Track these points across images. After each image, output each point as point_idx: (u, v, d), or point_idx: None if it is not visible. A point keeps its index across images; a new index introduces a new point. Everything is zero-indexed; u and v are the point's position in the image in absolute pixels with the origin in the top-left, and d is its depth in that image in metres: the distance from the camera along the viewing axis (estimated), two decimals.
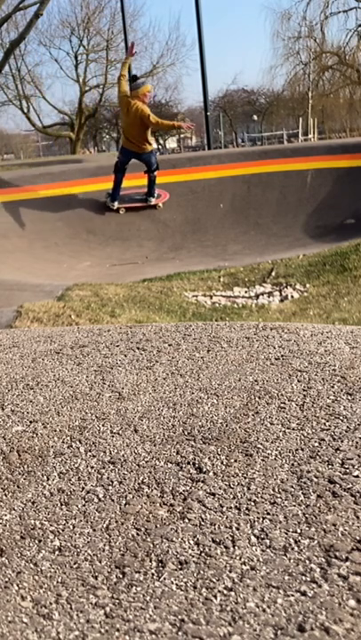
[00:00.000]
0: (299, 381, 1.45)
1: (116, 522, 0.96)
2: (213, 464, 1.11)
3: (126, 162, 8.29)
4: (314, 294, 5.08)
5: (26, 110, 31.70)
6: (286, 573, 0.81)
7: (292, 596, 0.77)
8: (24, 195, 8.68)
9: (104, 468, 1.14)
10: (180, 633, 0.73)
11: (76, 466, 1.15)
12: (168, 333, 1.97)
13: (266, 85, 37.67)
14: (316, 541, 0.87)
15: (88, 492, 1.05)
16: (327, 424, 1.22)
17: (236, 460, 1.11)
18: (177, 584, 0.81)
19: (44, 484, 1.10)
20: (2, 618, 0.78)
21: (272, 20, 59.85)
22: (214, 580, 0.81)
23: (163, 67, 32.02)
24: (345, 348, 1.65)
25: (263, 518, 0.93)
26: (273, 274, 5.77)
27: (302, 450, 1.13)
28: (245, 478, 1.05)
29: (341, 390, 1.38)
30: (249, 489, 1.01)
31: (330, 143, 11.40)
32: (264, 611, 0.75)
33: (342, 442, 1.14)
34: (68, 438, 1.27)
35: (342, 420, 1.23)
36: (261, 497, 0.99)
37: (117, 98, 8.42)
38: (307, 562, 0.83)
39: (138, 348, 1.84)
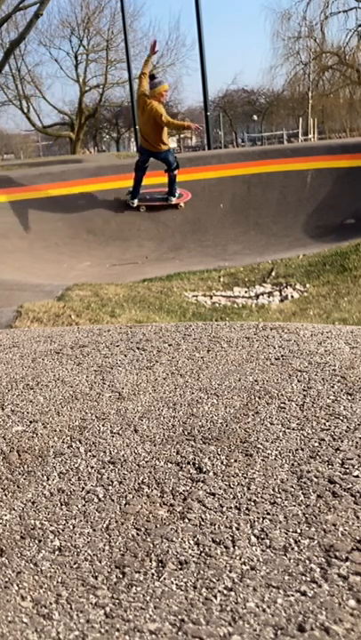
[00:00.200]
0: (299, 381, 1.45)
1: (116, 522, 0.96)
2: (213, 464, 1.11)
3: (145, 160, 8.26)
4: (314, 294, 5.08)
5: (26, 110, 31.71)
6: (286, 573, 0.81)
7: (292, 596, 0.77)
8: (24, 195, 8.68)
9: (104, 468, 1.14)
10: (180, 633, 0.73)
11: (76, 466, 1.15)
12: (168, 333, 1.97)
13: (266, 85, 37.71)
14: (316, 541, 0.87)
15: (88, 492, 1.05)
16: (327, 424, 1.22)
17: (236, 460, 1.11)
18: (177, 584, 0.81)
19: (44, 484, 1.10)
20: (2, 618, 0.78)
21: (272, 20, 59.88)
22: (214, 579, 0.81)
23: (163, 67, 31.98)
24: (345, 348, 1.65)
25: (263, 518, 0.93)
26: (273, 274, 5.77)
27: (302, 450, 1.13)
28: (245, 478, 1.05)
29: (341, 390, 1.38)
30: (249, 489, 1.01)
31: (330, 143, 11.40)
32: (264, 611, 0.75)
33: (342, 442, 1.14)
34: (68, 438, 1.27)
35: (342, 420, 1.23)
36: (261, 497, 0.99)
37: (137, 96, 8.41)
38: (307, 562, 0.83)
39: (138, 348, 1.84)
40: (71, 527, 0.96)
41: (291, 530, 0.90)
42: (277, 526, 0.91)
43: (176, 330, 2.01)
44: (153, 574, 0.83)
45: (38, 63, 55.35)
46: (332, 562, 0.82)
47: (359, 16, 34.87)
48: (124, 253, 7.92)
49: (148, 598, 0.79)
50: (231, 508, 0.97)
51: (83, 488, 1.07)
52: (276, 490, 1.00)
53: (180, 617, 0.75)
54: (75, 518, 0.98)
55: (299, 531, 0.89)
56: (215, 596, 0.78)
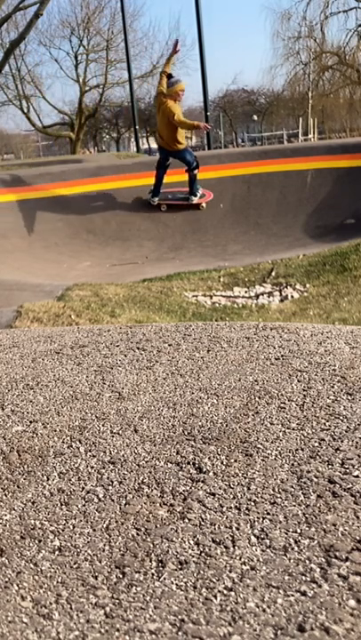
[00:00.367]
0: (299, 381, 1.45)
1: (116, 522, 0.96)
2: (213, 464, 1.11)
3: (165, 159, 8.23)
4: (314, 294, 5.08)
5: (26, 110, 31.70)
6: (286, 573, 0.81)
7: (292, 596, 0.77)
8: (24, 195, 8.68)
9: (104, 468, 1.14)
10: (180, 633, 0.73)
11: (76, 466, 1.15)
12: (168, 333, 1.97)
13: (266, 85, 37.68)
14: (316, 541, 0.87)
15: (88, 492, 1.05)
16: (327, 424, 1.22)
17: (236, 460, 1.11)
18: (177, 584, 0.81)
19: (44, 484, 1.10)
20: (2, 618, 0.78)
21: (272, 19, 59.86)
22: (214, 579, 0.81)
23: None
24: (345, 348, 1.65)
25: (263, 518, 0.93)
26: (273, 274, 5.77)
27: (302, 450, 1.13)
28: (245, 478, 1.05)
29: (341, 390, 1.38)
30: (249, 489, 1.01)
31: (330, 143, 11.40)
32: (264, 611, 0.75)
33: (342, 442, 1.14)
34: (68, 438, 1.27)
35: (342, 420, 1.23)
36: (261, 497, 0.99)
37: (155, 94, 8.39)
38: (307, 562, 0.83)
39: (138, 348, 1.84)
40: (71, 527, 0.96)
41: (291, 530, 0.90)
42: (277, 526, 0.91)
43: (176, 330, 2.01)
44: (153, 574, 0.83)
45: (38, 63, 55.33)
46: (332, 562, 0.82)
47: (359, 16, 34.86)
48: (124, 253, 7.92)
49: (148, 598, 0.79)
50: (231, 508, 0.97)
51: (83, 488, 1.07)
52: (276, 490, 1.00)
53: (180, 617, 0.75)
54: (75, 518, 0.98)
55: (299, 531, 0.89)
56: (215, 596, 0.78)
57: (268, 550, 0.86)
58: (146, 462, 1.14)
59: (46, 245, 8.00)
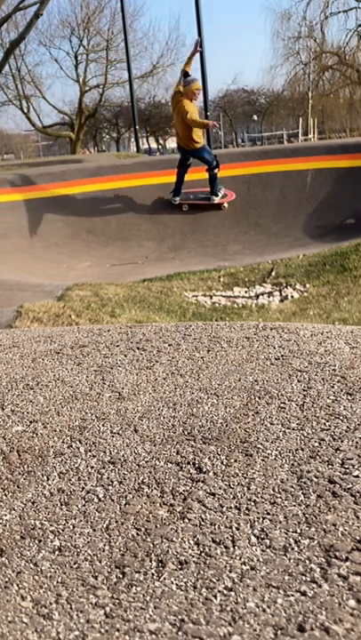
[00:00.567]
0: (299, 381, 1.45)
1: (116, 522, 0.96)
2: (213, 464, 1.11)
3: (185, 158, 8.19)
4: (314, 294, 5.08)
5: (26, 110, 31.70)
6: (286, 573, 0.81)
7: (292, 596, 0.77)
8: (24, 195, 8.68)
9: (104, 468, 1.14)
10: (180, 633, 0.73)
11: (76, 466, 1.15)
12: (168, 333, 1.97)
13: (266, 85, 37.66)
14: (316, 541, 0.87)
15: (88, 492, 1.05)
16: (327, 424, 1.22)
17: (236, 460, 1.11)
18: (177, 584, 0.81)
19: (44, 484, 1.10)
20: (2, 618, 0.78)
21: (272, 19, 59.85)
22: (214, 579, 0.81)
23: (163, 67, 31.98)
24: (345, 348, 1.65)
25: (263, 518, 0.93)
26: (273, 274, 5.77)
27: (302, 450, 1.13)
28: (245, 478, 1.05)
29: (341, 390, 1.38)
30: (249, 489, 1.01)
31: (330, 143, 11.40)
32: (264, 611, 0.75)
33: (342, 442, 1.14)
34: (68, 438, 1.27)
35: (342, 420, 1.23)
36: (261, 497, 0.99)
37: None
38: (307, 562, 0.83)
39: (138, 348, 1.84)
40: (71, 527, 0.96)
41: (291, 530, 0.90)
42: (277, 526, 0.91)
43: (176, 330, 2.01)
44: (153, 574, 0.83)
45: (38, 63, 55.31)
46: (332, 562, 0.82)
47: (359, 16, 34.86)
48: (124, 253, 7.92)
49: (148, 598, 0.79)
50: (231, 508, 0.97)
51: (83, 488, 1.07)
52: (276, 490, 1.00)
53: (180, 617, 0.75)
54: (75, 518, 0.98)
55: (299, 531, 0.89)
56: (215, 596, 0.78)
57: (268, 550, 0.86)
58: (146, 462, 1.14)
59: (46, 245, 8.00)
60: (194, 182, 8.51)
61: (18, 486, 1.10)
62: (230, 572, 0.82)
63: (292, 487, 1.01)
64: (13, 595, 0.82)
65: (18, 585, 0.84)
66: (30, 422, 1.38)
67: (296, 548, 0.86)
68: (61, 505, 1.02)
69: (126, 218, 8.62)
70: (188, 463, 1.12)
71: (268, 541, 0.88)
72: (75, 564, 0.87)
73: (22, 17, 22.61)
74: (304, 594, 0.77)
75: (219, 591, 0.79)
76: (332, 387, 1.40)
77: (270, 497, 0.99)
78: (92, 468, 1.14)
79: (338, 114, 31.55)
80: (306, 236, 7.87)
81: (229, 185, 8.82)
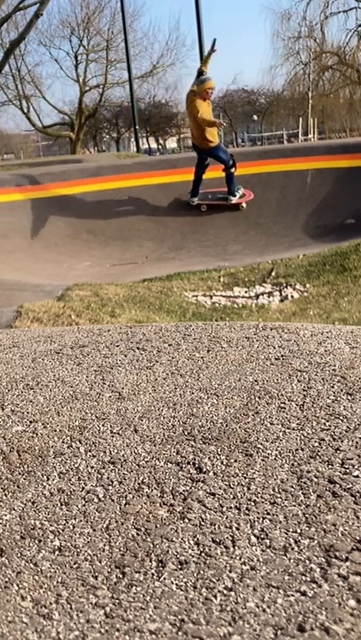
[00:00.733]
0: (299, 381, 1.45)
1: (116, 522, 0.96)
2: (213, 464, 1.11)
3: (201, 158, 8.13)
4: (314, 294, 5.08)
5: (26, 110, 31.70)
6: (286, 573, 0.81)
7: (292, 596, 0.77)
8: (24, 195, 8.68)
9: (104, 467, 1.14)
10: (180, 633, 0.73)
11: (76, 466, 1.15)
12: (168, 333, 1.97)
13: (266, 85, 37.61)
14: (316, 541, 0.87)
15: (88, 492, 1.05)
16: (327, 424, 1.22)
17: (236, 460, 1.11)
18: (177, 584, 0.81)
19: (44, 484, 1.10)
20: (2, 618, 0.78)
21: (272, 19, 59.82)
22: (214, 579, 0.81)
23: (163, 67, 32.01)
24: (345, 348, 1.65)
25: (263, 518, 0.93)
26: (273, 274, 5.77)
27: (302, 450, 1.13)
28: (245, 478, 1.05)
29: (341, 390, 1.38)
30: (249, 489, 1.01)
31: (330, 143, 11.40)
32: (264, 611, 0.75)
33: (342, 442, 1.14)
34: (68, 438, 1.27)
35: (342, 420, 1.23)
36: (261, 497, 0.99)
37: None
38: (307, 562, 0.83)
39: (138, 348, 1.84)
40: (71, 527, 0.96)
41: (291, 530, 0.90)
42: (277, 526, 0.91)
43: (176, 330, 2.01)
44: (153, 574, 0.83)
45: (38, 63, 55.35)
46: (332, 562, 0.82)
47: (359, 16, 34.86)
48: (124, 253, 7.92)
49: (148, 598, 0.79)
50: (231, 507, 0.97)
51: (83, 488, 1.07)
52: (276, 490, 1.00)
53: (180, 617, 0.75)
54: (75, 518, 0.98)
55: (299, 531, 0.89)
56: (215, 596, 0.78)
57: (268, 550, 0.86)
58: (146, 462, 1.14)
59: (46, 245, 8.00)
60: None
61: (18, 486, 1.10)
62: (230, 572, 0.82)
63: (292, 487, 1.01)
64: (13, 595, 0.82)
65: (18, 585, 0.84)
66: (30, 422, 1.38)
67: (296, 548, 0.86)
68: (61, 505, 1.02)
69: (126, 218, 8.62)
70: (188, 463, 1.12)
71: (268, 541, 0.88)
72: (75, 563, 0.87)
73: (22, 17, 22.64)
74: (304, 594, 0.77)
75: (219, 591, 0.79)
76: (332, 387, 1.40)
77: (270, 497, 0.99)
78: (92, 467, 1.14)
79: (338, 114, 31.54)
80: (306, 236, 7.87)
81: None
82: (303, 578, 0.80)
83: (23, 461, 1.19)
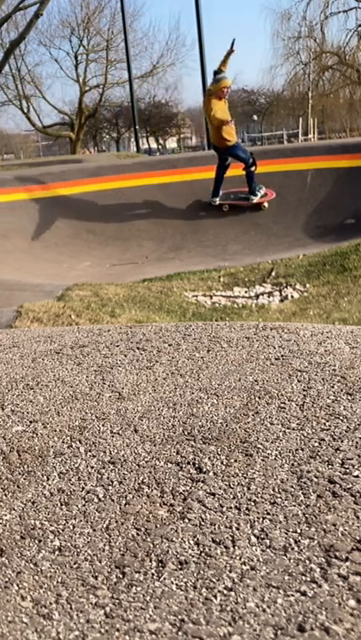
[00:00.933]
0: (299, 381, 1.45)
1: (116, 522, 0.96)
2: (213, 464, 1.11)
3: (221, 158, 8.08)
4: (314, 294, 5.08)
5: (26, 110, 31.70)
6: (286, 573, 0.81)
7: (292, 596, 0.77)
8: (24, 195, 8.68)
9: (104, 468, 1.14)
10: (180, 633, 0.73)
11: (76, 466, 1.15)
12: (168, 333, 1.97)
13: (266, 85, 37.52)
14: (316, 541, 0.87)
15: (88, 492, 1.05)
16: (327, 424, 1.22)
17: (236, 460, 1.11)
18: (177, 584, 0.81)
19: (44, 484, 1.10)
20: (2, 618, 0.78)
21: (272, 20, 59.76)
22: (214, 579, 0.81)
23: (163, 67, 32.00)
24: (345, 348, 1.65)
25: (263, 518, 0.93)
26: (273, 274, 5.77)
27: (302, 450, 1.13)
28: (245, 478, 1.05)
29: (341, 390, 1.38)
30: (249, 489, 1.01)
31: (330, 143, 11.40)
32: (264, 611, 0.75)
33: (342, 442, 1.14)
34: (68, 438, 1.27)
35: (342, 420, 1.23)
36: (261, 497, 0.99)
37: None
38: (307, 562, 0.83)
39: (138, 348, 1.84)
40: (71, 527, 0.96)
41: (291, 530, 0.90)
42: (277, 526, 0.91)
43: (176, 330, 2.01)
44: (153, 574, 0.83)
45: (38, 63, 55.30)
46: (332, 562, 0.82)
47: (359, 16, 34.80)
48: (124, 253, 7.92)
49: (148, 598, 0.79)
50: (231, 507, 0.97)
51: (83, 488, 1.07)
52: (276, 490, 1.00)
53: (180, 617, 0.75)
54: (75, 518, 0.98)
55: (299, 531, 0.89)
56: (215, 596, 0.78)
57: (268, 550, 0.86)
58: (146, 462, 1.14)
59: (46, 245, 8.00)
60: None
61: (18, 486, 1.10)
62: (230, 572, 0.82)
63: (292, 487, 1.01)
64: (13, 595, 0.82)
65: (18, 585, 0.84)
66: (30, 422, 1.38)
67: (296, 548, 0.86)
68: (61, 505, 1.02)
69: (126, 218, 8.62)
70: (188, 463, 1.12)
71: (268, 541, 0.88)
72: (75, 563, 0.87)
73: (22, 17, 22.64)
74: (304, 594, 0.77)
75: (219, 591, 0.79)
76: (332, 387, 1.40)
77: (270, 497, 0.99)
78: (92, 468, 1.14)
79: (338, 114, 31.52)
80: (306, 236, 7.87)
81: (229, 185, 8.82)
82: (303, 578, 0.80)
83: (23, 461, 1.19)
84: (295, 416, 1.27)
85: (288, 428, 1.22)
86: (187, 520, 0.94)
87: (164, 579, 0.82)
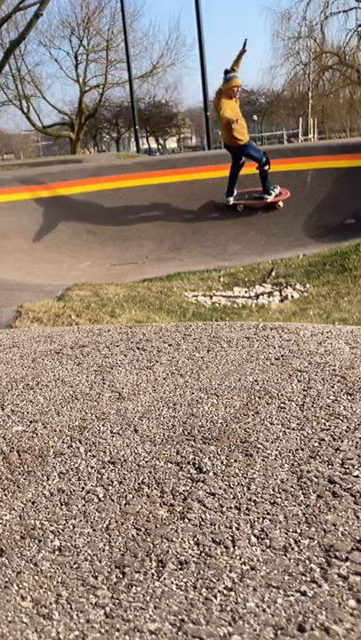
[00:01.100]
0: (299, 381, 1.45)
1: (116, 522, 0.96)
2: (213, 464, 1.11)
3: (235, 157, 8.05)
4: (314, 294, 5.08)
5: (26, 110, 31.69)
6: (286, 573, 0.81)
7: (292, 596, 0.77)
8: (24, 194, 8.68)
9: (104, 468, 1.14)
10: (180, 633, 0.73)
11: (76, 466, 1.15)
12: (168, 333, 1.97)
13: (266, 85, 37.49)
14: (316, 541, 0.87)
15: (88, 492, 1.05)
16: (327, 424, 1.22)
17: (236, 460, 1.11)
18: (177, 584, 0.81)
19: (44, 484, 1.10)
20: (2, 618, 0.78)
21: (272, 20, 59.76)
22: (214, 579, 0.81)
23: (163, 67, 32.00)
24: (345, 348, 1.65)
25: (263, 518, 0.93)
26: (273, 274, 5.77)
27: (302, 450, 1.13)
28: (245, 478, 1.05)
29: (341, 390, 1.38)
30: (249, 489, 1.01)
31: (330, 143, 11.40)
32: (264, 611, 0.75)
33: (342, 442, 1.14)
34: (68, 438, 1.27)
35: (342, 420, 1.23)
36: (261, 497, 0.99)
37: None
38: (307, 562, 0.83)
39: (138, 348, 1.84)
40: (71, 527, 0.96)
41: (291, 530, 0.90)
42: (277, 526, 0.91)
43: (176, 330, 2.01)
44: (153, 574, 0.83)
45: (38, 63, 55.29)
46: (332, 562, 0.82)
47: (359, 16, 34.81)
48: (124, 253, 7.92)
49: (148, 598, 0.79)
50: (231, 508, 0.97)
51: (83, 488, 1.07)
52: (276, 490, 1.00)
53: (180, 617, 0.75)
54: (75, 518, 0.98)
55: (299, 531, 0.89)
56: (215, 596, 0.78)
57: (268, 550, 0.86)
58: (146, 462, 1.14)
59: (46, 245, 8.00)
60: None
61: (18, 486, 1.10)
62: (230, 572, 0.82)
63: (292, 487, 1.01)
64: (13, 595, 0.82)
65: (18, 585, 0.84)
66: (30, 422, 1.38)
67: (296, 548, 0.86)
68: (61, 505, 1.02)
69: (126, 218, 8.62)
70: (188, 463, 1.12)
71: (268, 541, 0.88)
72: (75, 563, 0.87)
73: (22, 17, 22.64)
74: (304, 594, 0.77)
75: (219, 591, 0.79)
76: (332, 387, 1.40)
77: (270, 497, 0.99)
78: (92, 467, 1.14)
79: (338, 114, 31.51)
80: (306, 236, 7.86)
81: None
82: (303, 578, 0.80)
83: (23, 461, 1.19)
84: (295, 416, 1.27)
85: (288, 428, 1.22)
86: (187, 520, 0.94)
87: (164, 579, 0.82)
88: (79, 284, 5.06)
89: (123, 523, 0.96)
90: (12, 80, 30.52)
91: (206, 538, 0.90)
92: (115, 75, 31.81)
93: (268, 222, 8.37)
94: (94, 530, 0.95)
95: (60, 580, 0.84)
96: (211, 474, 1.07)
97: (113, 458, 1.17)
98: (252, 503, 0.97)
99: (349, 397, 1.34)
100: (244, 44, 8.11)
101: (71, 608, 0.79)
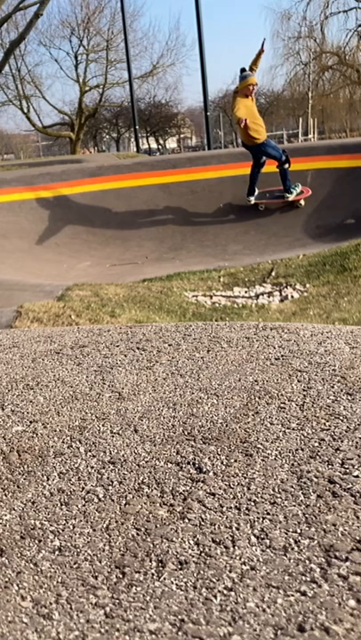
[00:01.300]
0: (299, 381, 1.45)
1: (116, 522, 0.96)
2: (213, 464, 1.11)
3: (254, 156, 8.02)
4: (314, 294, 5.08)
5: (26, 110, 31.68)
6: (286, 573, 0.81)
7: (292, 596, 0.77)
8: (24, 195, 8.68)
9: (104, 468, 1.14)
10: (180, 633, 0.73)
11: (76, 466, 1.15)
12: (168, 333, 1.97)
13: (266, 85, 37.46)
14: (316, 541, 0.87)
15: (88, 492, 1.05)
16: (327, 424, 1.22)
17: (236, 460, 1.11)
18: (177, 584, 0.81)
19: (44, 484, 1.10)
20: (2, 618, 0.78)
21: (272, 20, 59.82)
22: (214, 579, 0.81)
23: (163, 67, 32.02)
24: (345, 348, 1.65)
25: (263, 518, 0.93)
26: (273, 274, 5.77)
27: (302, 450, 1.13)
28: (245, 478, 1.05)
29: (341, 390, 1.38)
30: (249, 489, 1.01)
31: (330, 143, 11.39)
32: (264, 611, 0.75)
33: (342, 442, 1.14)
34: (68, 438, 1.27)
35: (342, 420, 1.23)
36: (261, 497, 0.99)
37: None
38: (307, 562, 0.83)
39: (138, 348, 1.84)
40: (71, 527, 0.96)
41: (291, 530, 0.90)
42: (277, 526, 0.91)
43: (176, 330, 2.01)
44: (153, 574, 0.83)
45: (38, 63, 55.33)
46: (332, 562, 0.82)
47: (359, 16, 34.80)
48: (124, 253, 7.92)
49: (148, 598, 0.79)
50: (231, 508, 0.97)
51: (83, 488, 1.07)
52: (276, 490, 1.00)
53: (180, 617, 0.75)
54: (75, 518, 0.98)
55: (299, 531, 0.89)
56: (215, 596, 0.78)
57: (268, 550, 0.86)
58: (146, 462, 1.14)
59: (46, 245, 8.00)
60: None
61: (18, 486, 1.10)
62: (230, 572, 0.82)
63: (292, 487, 1.01)
64: (13, 595, 0.82)
65: (18, 585, 0.84)
66: (30, 422, 1.38)
67: (296, 548, 0.86)
68: (61, 505, 1.02)
69: (126, 218, 8.62)
70: (188, 463, 1.12)
71: (268, 541, 0.88)
72: (75, 563, 0.87)
73: (22, 17, 22.64)
74: (304, 594, 0.77)
75: (219, 591, 0.79)
76: (332, 387, 1.40)
77: (270, 497, 0.99)
78: (92, 468, 1.14)
79: (338, 114, 31.52)
80: (306, 236, 7.86)
81: (230, 185, 8.81)
82: (303, 578, 0.80)
83: (23, 461, 1.19)
84: (295, 416, 1.27)
85: (288, 428, 1.22)
86: (187, 520, 0.94)
87: (164, 579, 0.82)
88: (79, 284, 5.06)
89: (123, 523, 0.96)
90: (12, 80, 30.54)
91: (206, 538, 0.90)
92: (115, 75, 31.85)
93: (268, 222, 8.37)
94: (94, 530, 0.95)
95: (59, 580, 0.84)
96: (211, 474, 1.07)
97: (113, 458, 1.17)
98: (252, 503, 0.97)
99: (349, 397, 1.34)
100: (263, 43, 8.07)
101: (71, 608, 0.79)
